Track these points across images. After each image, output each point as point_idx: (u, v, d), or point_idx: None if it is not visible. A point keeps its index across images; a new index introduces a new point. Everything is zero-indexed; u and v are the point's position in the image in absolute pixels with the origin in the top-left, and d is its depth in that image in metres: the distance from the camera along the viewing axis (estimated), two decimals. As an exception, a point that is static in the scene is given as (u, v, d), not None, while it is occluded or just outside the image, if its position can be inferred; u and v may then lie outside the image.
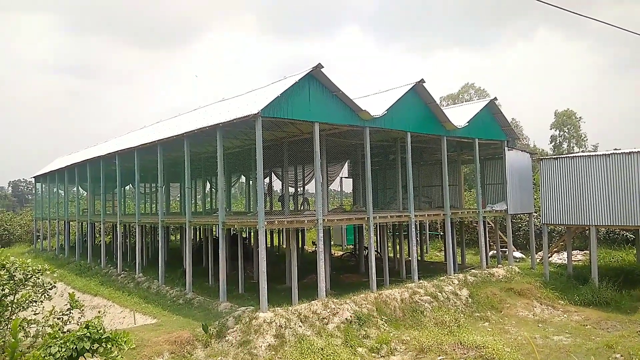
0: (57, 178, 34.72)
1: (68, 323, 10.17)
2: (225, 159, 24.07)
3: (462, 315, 17.41)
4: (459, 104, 23.65)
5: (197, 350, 13.73)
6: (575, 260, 26.23)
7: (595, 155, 20.36)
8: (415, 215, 19.28)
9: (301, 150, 22.00)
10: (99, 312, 20.39)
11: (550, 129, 77.02)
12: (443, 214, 20.66)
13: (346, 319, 15.23)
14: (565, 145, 74.52)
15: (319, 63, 15.48)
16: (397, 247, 24.98)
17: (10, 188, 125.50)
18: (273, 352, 13.46)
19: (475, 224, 30.39)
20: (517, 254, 28.28)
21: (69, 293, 8.38)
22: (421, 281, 19.05)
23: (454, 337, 15.01)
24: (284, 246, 28.93)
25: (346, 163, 31.08)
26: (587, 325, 17.35)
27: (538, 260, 25.19)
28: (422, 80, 18.60)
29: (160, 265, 20.54)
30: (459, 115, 21.68)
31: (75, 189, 32.11)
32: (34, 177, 40.43)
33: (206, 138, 18.64)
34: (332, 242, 38.83)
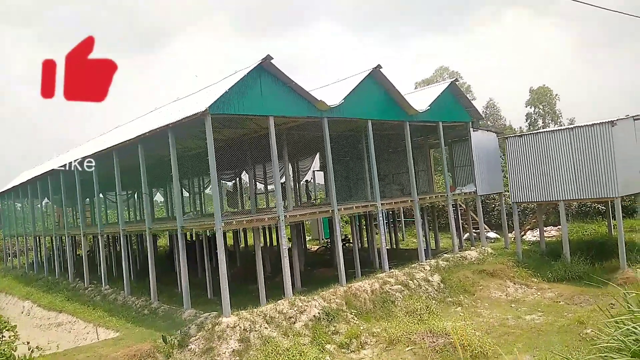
0: (21, 193, 33.63)
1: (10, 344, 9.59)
2: (195, 159, 23.38)
3: (433, 301, 17.13)
4: (420, 89, 23.30)
5: (158, 362, 13.20)
6: (549, 237, 26.25)
7: (558, 130, 20.23)
8: (382, 204, 18.91)
9: (265, 146, 21.44)
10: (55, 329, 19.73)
11: (526, 106, 77.53)
12: (411, 201, 20.33)
13: (314, 316, 14.81)
14: (540, 122, 75.17)
15: (268, 55, 14.93)
16: (372, 237, 24.58)
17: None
18: (237, 358, 12.99)
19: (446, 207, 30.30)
20: (492, 235, 28.22)
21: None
22: (392, 270, 18.72)
23: (424, 326, 14.69)
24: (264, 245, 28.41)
25: (317, 156, 30.62)
26: (560, 302, 17.25)
27: (512, 239, 25.11)
28: (379, 66, 18.18)
29: (124, 275, 19.87)
30: (422, 100, 21.35)
31: (39, 203, 31.17)
32: (-2, 193, 39.17)
33: (163, 140, 17.95)
34: (309, 237, 38.55)
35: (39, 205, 31.07)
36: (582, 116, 73.29)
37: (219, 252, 14.21)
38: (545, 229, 27.64)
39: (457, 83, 78.77)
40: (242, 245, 32.28)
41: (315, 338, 14.06)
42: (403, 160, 27.82)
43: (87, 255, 24.53)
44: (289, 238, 31.29)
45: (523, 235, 26.78)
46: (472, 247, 22.99)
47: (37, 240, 32.83)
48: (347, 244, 27.89)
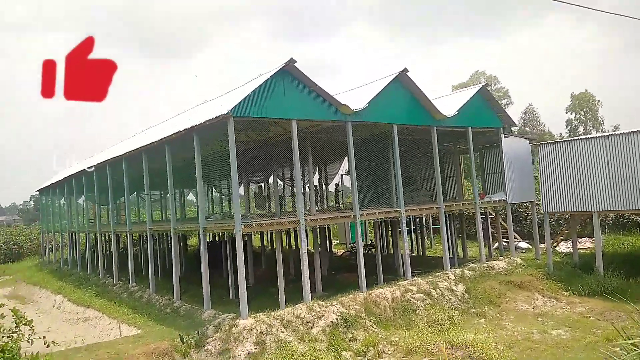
0: (59, 191, 34.76)
1: (20, 340, 9.78)
2: (224, 160, 23.46)
3: (456, 312, 16.71)
4: (450, 93, 22.84)
5: (175, 361, 13.32)
6: (584, 248, 25.27)
7: (594, 137, 19.44)
8: (406, 210, 18.59)
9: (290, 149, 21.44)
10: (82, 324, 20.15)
11: (566, 112, 75.38)
12: (436, 208, 19.92)
13: (332, 321, 14.66)
14: (581, 128, 72.82)
15: (292, 58, 14.92)
16: (397, 243, 24.21)
17: (32, 202, 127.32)
18: (252, 360, 12.97)
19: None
20: (523, 245, 27.39)
21: (10, 309, 7.97)
22: (415, 278, 18.37)
23: (444, 336, 14.34)
24: (288, 247, 28.43)
25: (344, 160, 30.46)
26: (590, 317, 16.51)
27: (543, 250, 24.28)
28: (406, 70, 17.91)
29: (150, 273, 20.22)
30: (452, 104, 20.93)
31: (77, 200, 32.05)
32: (37, 190, 40.64)
33: (189, 142, 18.17)
34: (337, 241, 38.36)
35: (76, 203, 31.95)
36: (627, 123, 70.71)
37: (238, 254, 14.24)
38: (580, 240, 26.68)
39: (494, 87, 76.73)
40: (269, 247, 32.34)
41: (331, 344, 13.91)
42: (432, 166, 27.39)
43: (119, 253, 25.08)
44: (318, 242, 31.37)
45: (556, 246, 25.86)
46: (501, 257, 22.33)
47: (73, 236, 33.80)
48: (371, 250, 27.65)
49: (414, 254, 28.76)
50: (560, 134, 70.09)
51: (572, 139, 20.39)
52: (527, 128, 78.14)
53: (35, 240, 47.47)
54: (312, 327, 14.37)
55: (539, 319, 16.59)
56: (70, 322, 21.28)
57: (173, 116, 23.44)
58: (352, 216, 16.97)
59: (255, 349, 13.28)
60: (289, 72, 15.32)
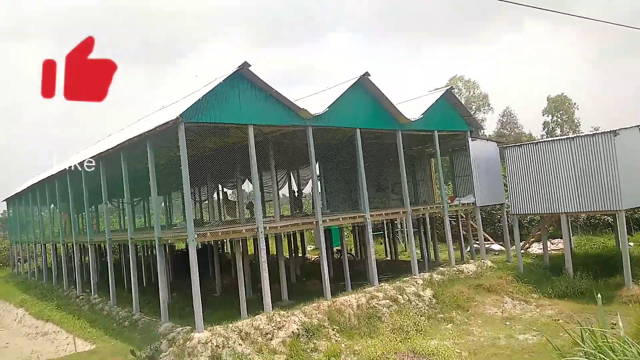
0: (24, 200, 33.79)
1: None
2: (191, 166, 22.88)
3: (423, 318, 16.35)
4: (415, 97, 22.66)
5: (126, 378, 12.74)
6: (556, 250, 25.17)
7: (558, 139, 19.37)
8: (372, 215, 18.22)
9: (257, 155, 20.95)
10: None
11: (543, 115, 76.20)
12: (403, 212, 19.60)
13: (292, 332, 14.17)
14: (558, 130, 73.58)
15: (245, 62, 14.47)
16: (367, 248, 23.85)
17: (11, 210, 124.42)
18: (206, 376, 12.44)
19: (450, 219, 29.41)
20: (497, 247, 27.28)
21: None
22: (382, 284, 17.99)
23: (408, 344, 13.96)
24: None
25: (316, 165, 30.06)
26: (559, 320, 16.27)
27: (515, 252, 24.13)
28: (367, 74, 17.58)
29: (110, 285, 19.52)
30: (418, 108, 20.65)
31: (42, 210, 31.15)
32: (5, 199, 39.48)
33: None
34: (312, 246, 37.89)
35: (40, 213, 31.03)
36: (608, 124, 71.55)
37: (192, 264, 13.71)
38: (552, 241, 26.63)
39: (473, 93, 76.56)
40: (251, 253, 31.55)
41: (292, 356, 13.43)
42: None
43: (81, 264, 24.33)
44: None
45: (528, 248, 25.77)
46: (471, 261, 22.09)
47: (41, 247, 32.83)
48: (349, 255, 27.22)
49: (387, 259, 28.46)
50: (537, 136, 70.68)
51: (537, 141, 20.32)
52: (505, 130, 78.81)
53: (5, 252, 46.19)
54: (271, 339, 13.87)
55: (507, 323, 16.32)
56: (29, 337, 20.50)
57: (134, 122, 22.79)
58: (315, 222, 16.54)
59: (210, 363, 12.74)
60: (243, 76, 14.87)
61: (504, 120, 79.03)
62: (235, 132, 18.70)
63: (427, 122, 20.11)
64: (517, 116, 78.14)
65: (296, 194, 27.67)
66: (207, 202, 28.14)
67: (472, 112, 78.42)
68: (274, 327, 14.18)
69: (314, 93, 20.44)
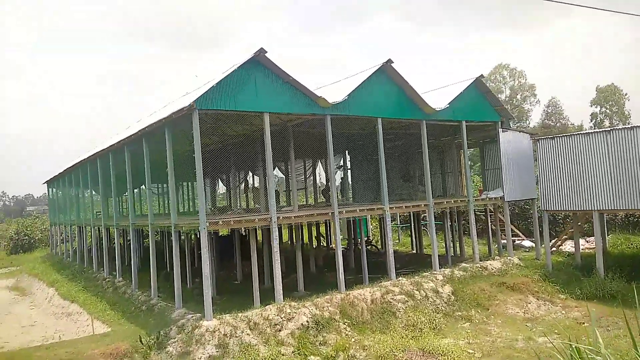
0: (62, 182, 34.84)
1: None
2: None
3: (439, 315, 15.87)
4: (444, 86, 21.84)
5: (134, 363, 12.87)
6: (590, 249, 24.02)
7: (594, 132, 18.27)
8: (391, 208, 17.75)
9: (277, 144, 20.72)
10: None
11: (591, 105, 73.22)
12: (424, 205, 19.01)
13: (302, 324, 13.99)
14: (607, 122, 70.37)
15: (262, 48, 14.22)
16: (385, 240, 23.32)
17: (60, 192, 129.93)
18: (212, 364, 12.43)
19: (479, 213, 28.53)
20: (528, 243, 26.29)
21: None
22: (400, 278, 17.56)
23: (420, 342, 13.55)
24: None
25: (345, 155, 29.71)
26: (584, 324, 15.49)
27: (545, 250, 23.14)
28: (390, 61, 17.02)
29: (132, 269, 19.85)
30: (445, 97, 19.93)
31: (81, 192, 32.00)
32: (45, 182, 40.89)
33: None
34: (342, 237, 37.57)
35: (77, 195, 31.89)
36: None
37: (203, 252, 13.69)
38: (588, 239, 25.43)
39: (519, 83, 74.26)
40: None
41: (299, 348, 13.25)
42: (433, 162, 26.44)
43: (109, 247, 24.88)
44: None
45: (560, 245, 24.68)
46: (497, 257, 21.29)
47: (79, 229, 33.83)
48: (368, 246, 26.85)
49: (413, 252, 27.89)
50: (585, 128, 67.72)
51: (571, 134, 19.21)
52: (550, 122, 75.86)
53: (46, 232, 48.03)
54: (280, 330, 13.74)
55: (528, 325, 15.64)
56: (56, 316, 21.15)
57: (162, 107, 22.93)
58: (330, 214, 16.24)
59: (217, 352, 12.73)
60: (260, 63, 14.63)
61: (549, 111, 76.16)
62: (258, 119, 18.56)
63: (454, 111, 19.38)
64: (563, 107, 75.30)
65: (324, 183, 27.38)
66: (234, 189, 28.07)
67: (517, 103, 75.95)
68: (284, 319, 14.03)
69: (336, 81, 20.00)
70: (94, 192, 30.40)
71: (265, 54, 14.33)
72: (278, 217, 14.92)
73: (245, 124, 19.28)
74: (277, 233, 14.83)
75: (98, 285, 22.81)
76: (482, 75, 20.17)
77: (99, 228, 27.39)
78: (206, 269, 13.62)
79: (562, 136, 19.06)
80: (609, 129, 17.86)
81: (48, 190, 42.38)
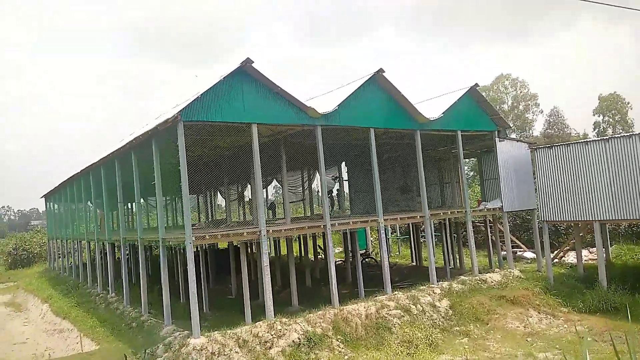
0: (60, 196, 34.62)
1: None
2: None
3: (436, 330, 15.37)
4: (439, 95, 21.51)
5: (119, 383, 12.45)
6: (593, 260, 23.46)
7: (592, 140, 17.87)
8: (385, 220, 17.33)
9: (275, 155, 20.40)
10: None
11: (594, 114, 72.85)
12: (420, 216, 18.58)
13: (293, 341, 13.54)
14: (610, 131, 69.89)
15: (248, 58, 13.95)
16: (380, 253, 22.99)
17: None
18: (198, 384, 11.98)
19: (479, 224, 28.05)
20: (529, 254, 25.76)
21: None
22: (395, 292, 17.08)
23: (416, 358, 13.08)
24: (297, 255, 27.36)
25: (341, 165, 29.35)
26: (587, 338, 14.94)
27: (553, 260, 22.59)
28: (381, 70, 16.72)
29: (124, 285, 19.47)
30: (440, 107, 19.57)
31: (76, 206, 31.73)
32: (43, 196, 40.71)
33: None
34: (339, 249, 37.10)
35: (76, 209, 31.57)
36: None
37: (189, 268, 13.29)
38: (592, 250, 24.88)
39: (522, 93, 73.76)
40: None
41: (290, 366, 12.82)
42: (431, 172, 26.06)
43: (101, 262, 24.50)
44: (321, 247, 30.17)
45: (562, 257, 24.16)
46: (497, 269, 20.79)
47: (75, 243, 33.51)
48: (365, 259, 26.40)
49: (413, 264, 27.39)
50: (588, 137, 67.26)
51: (569, 142, 18.81)
52: (552, 131, 75.38)
53: (45, 247, 47.71)
54: (270, 347, 13.28)
55: (528, 339, 15.10)
56: (47, 333, 20.75)
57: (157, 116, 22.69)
58: (322, 226, 15.84)
59: (203, 371, 12.28)
60: (247, 73, 14.36)
61: (552, 120, 75.72)
62: (249, 131, 18.25)
63: (448, 121, 19.02)
64: (565, 116, 74.84)
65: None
66: (229, 202, 27.71)
67: (519, 113, 75.37)
68: (274, 336, 13.59)
69: (328, 91, 19.70)
70: (91, 205, 30.15)
71: (252, 64, 14.06)
72: (268, 230, 14.53)
73: (238, 135, 18.97)
74: (266, 247, 14.42)
75: (91, 301, 22.43)
76: (476, 84, 19.82)
77: (91, 243, 27.03)
78: (193, 286, 13.22)
79: (559, 145, 18.66)
80: (607, 137, 17.45)
81: (46, 205, 42.17)
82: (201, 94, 13.31)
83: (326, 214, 15.87)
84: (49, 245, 42.48)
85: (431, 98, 21.88)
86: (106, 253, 27.58)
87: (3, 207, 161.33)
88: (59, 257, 38.87)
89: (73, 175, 27.29)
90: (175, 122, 13.11)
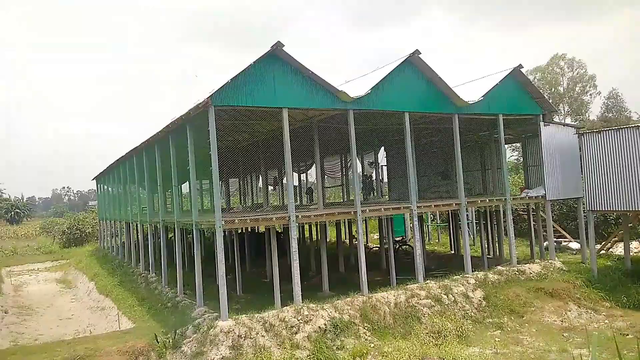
0: (109, 178, 35.87)
1: None
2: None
3: (468, 321, 15.01)
4: (481, 77, 20.63)
5: (149, 361, 12.83)
6: (643, 252, 22.27)
7: (644, 125, 16.74)
8: (419, 207, 16.95)
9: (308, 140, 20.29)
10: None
11: (656, 97, 68.54)
12: (456, 204, 18.06)
13: (319, 327, 13.53)
14: (672, 116, 65.70)
15: (279, 41, 13.82)
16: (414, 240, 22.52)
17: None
18: (224, 366, 12.19)
19: (522, 212, 27.09)
20: (575, 245, 24.65)
21: None
22: (428, 281, 16.76)
23: (442, 350, 12.79)
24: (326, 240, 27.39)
25: (380, 150, 28.98)
26: (627, 335, 14.21)
27: (597, 252, 21.53)
28: (417, 52, 16.21)
29: (162, 265, 19.99)
30: (482, 90, 18.84)
31: (122, 188, 32.87)
32: (94, 178, 42.35)
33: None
34: (377, 235, 36.76)
35: (116, 191, 32.70)
36: None
37: (218, 251, 13.48)
38: (643, 241, 23.61)
39: (578, 73, 70.25)
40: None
41: (315, 352, 12.83)
42: (472, 158, 25.31)
43: (144, 243, 25.26)
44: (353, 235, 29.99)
45: (610, 248, 23.00)
46: (537, 260, 20.02)
47: (123, 224, 34.76)
48: (402, 246, 26.04)
49: (452, 252, 26.78)
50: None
51: (619, 127, 17.70)
52: (610, 114, 71.54)
53: (96, 227, 49.80)
54: (296, 333, 13.33)
55: (565, 335, 14.52)
56: (91, 310, 21.71)
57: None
58: (353, 212, 15.66)
59: (230, 353, 12.47)
60: (278, 57, 14.24)
61: (610, 103, 71.85)
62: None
63: (489, 104, 18.30)
64: (625, 99, 70.75)
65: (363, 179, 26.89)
66: (264, 186, 27.95)
67: (576, 95, 71.86)
68: (301, 321, 13.62)
69: (364, 74, 19.33)
70: (140, 189, 31.11)
71: (283, 48, 13.92)
72: (297, 216, 14.51)
73: (273, 119, 19.01)
74: (295, 232, 14.40)
75: (133, 280, 23.22)
76: (520, 65, 18.92)
77: (136, 224, 27.93)
78: (222, 268, 13.42)
79: (608, 130, 17.61)
80: (661, 122, 16.31)
81: (97, 186, 43.86)
82: (231, 79, 13.32)
83: (357, 199, 15.68)
84: (100, 225, 44.29)
85: (472, 80, 21.10)
86: (150, 234, 28.51)
87: (63, 187, 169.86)
88: (109, 237, 40.52)
89: (119, 158, 28.19)
90: (207, 107, 13.20)
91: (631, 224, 20.91)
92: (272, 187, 34.60)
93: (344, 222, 25.48)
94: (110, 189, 36.46)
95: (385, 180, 30.51)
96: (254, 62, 13.76)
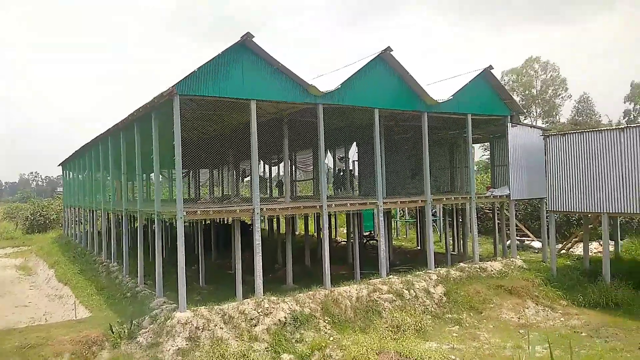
0: (74, 165, 35.06)
1: None
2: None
3: (427, 317, 15.18)
4: (453, 77, 20.85)
5: (103, 351, 12.57)
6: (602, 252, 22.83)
7: (607, 129, 17.16)
8: (385, 203, 17.03)
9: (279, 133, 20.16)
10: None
11: (624, 102, 70.61)
12: (422, 201, 18.22)
13: (279, 320, 13.51)
14: (640, 119, 67.67)
15: (248, 32, 13.65)
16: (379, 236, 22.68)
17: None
18: (180, 358, 12.04)
19: (488, 211, 27.53)
20: (537, 244, 25.20)
21: None
22: (390, 276, 16.89)
23: (400, 344, 12.90)
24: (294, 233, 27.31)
25: (352, 146, 28.99)
26: (582, 333, 14.59)
27: (557, 252, 22.03)
28: (389, 49, 16.23)
29: (124, 255, 19.64)
30: (453, 89, 19.02)
31: (86, 176, 32.16)
32: (60, 164, 41.32)
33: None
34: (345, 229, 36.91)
35: (85, 179, 31.97)
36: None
37: (179, 241, 13.28)
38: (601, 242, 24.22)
39: (550, 76, 71.31)
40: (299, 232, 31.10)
41: (273, 345, 12.80)
42: (441, 156, 25.54)
43: (107, 231, 24.78)
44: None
45: (571, 248, 23.59)
46: (499, 258, 20.39)
47: (87, 212, 34.00)
48: (369, 241, 26.21)
49: (418, 248, 27.10)
50: (620, 123, 65.17)
51: (582, 130, 18.13)
52: (580, 118, 73.15)
53: (61, 213, 48.67)
54: (255, 325, 13.28)
55: (521, 331, 14.80)
56: (49, 298, 21.18)
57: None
58: (319, 207, 15.64)
59: (187, 344, 12.34)
60: (248, 48, 14.07)
61: (580, 107, 73.49)
62: (258, 108, 17.99)
63: (459, 104, 18.48)
64: (595, 103, 72.44)
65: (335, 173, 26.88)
66: (231, 178, 27.71)
67: (548, 98, 73.14)
68: (261, 313, 13.57)
69: (336, 69, 19.29)
70: (106, 176, 30.41)
71: (253, 39, 13.75)
72: (262, 209, 14.40)
73: (243, 112, 18.76)
74: (259, 225, 14.29)
75: (94, 269, 22.79)
76: (490, 66, 19.16)
77: (99, 212, 27.37)
78: (181, 259, 13.22)
79: (572, 133, 18.01)
80: (622, 127, 16.73)
81: (63, 172, 42.83)
82: (198, 68, 13.11)
83: (323, 193, 15.66)
84: (65, 212, 43.28)
85: (444, 79, 21.27)
86: (113, 223, 27.99)
87: (31, 172, 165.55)
88: (74, 225, 39.63)
89: (86, 144, 27.55)
90: (172, 95, 12.96)
91: (591, 225, 21.45)
92: (246, 179, 34.38)
93: (313, 216, 25.46)
94: (76, 175, 35.62)
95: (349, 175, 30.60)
96: (222, 52, 13.57)
